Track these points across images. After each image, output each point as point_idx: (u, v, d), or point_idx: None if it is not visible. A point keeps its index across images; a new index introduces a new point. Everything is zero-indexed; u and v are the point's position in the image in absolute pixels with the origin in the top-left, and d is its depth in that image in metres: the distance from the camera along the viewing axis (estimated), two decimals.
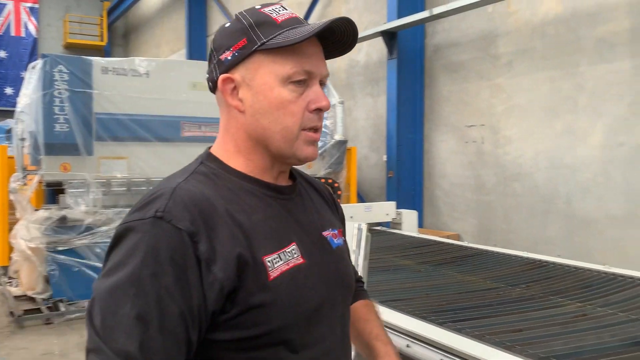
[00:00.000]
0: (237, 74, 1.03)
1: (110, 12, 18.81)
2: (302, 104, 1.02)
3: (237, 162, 1.06)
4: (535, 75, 5.46)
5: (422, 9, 6.44)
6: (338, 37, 1.06)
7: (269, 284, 0.95)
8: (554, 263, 3.07)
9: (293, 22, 1.03)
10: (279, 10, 1.04)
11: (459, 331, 1.88)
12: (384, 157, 7.13)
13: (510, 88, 5.74)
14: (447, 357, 1.76)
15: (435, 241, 3.94)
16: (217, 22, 12.80)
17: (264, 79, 1.01)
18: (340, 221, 1.26)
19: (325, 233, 1.13)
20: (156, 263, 0.88)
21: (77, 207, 5.52)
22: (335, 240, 1.15)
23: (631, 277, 2.71)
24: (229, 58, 1.03)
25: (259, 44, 1.00)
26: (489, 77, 5.97)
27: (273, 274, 0.96)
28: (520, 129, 5.64)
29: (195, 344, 0.92)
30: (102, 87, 5.76)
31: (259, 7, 1.05)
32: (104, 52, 18.64)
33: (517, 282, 2.65)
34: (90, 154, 5.73)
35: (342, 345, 1.11)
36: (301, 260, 1.02)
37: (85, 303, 5.53)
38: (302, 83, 1.02)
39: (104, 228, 5.54)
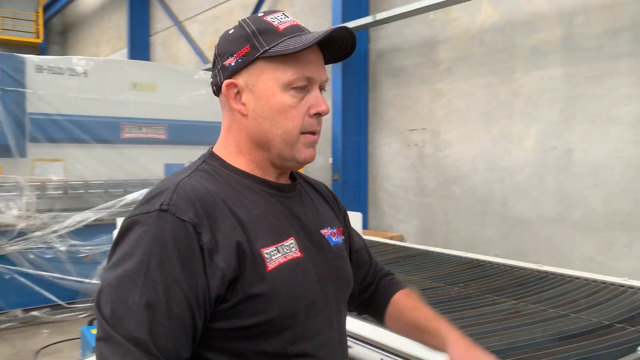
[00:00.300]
0: (240, 80, 1.08)
1: (46, 8, 18.01)
2: (302, 109, 1.08)
3: (239, 161, 1.11)
4: (474, 81, 5.65)
5: (366, 14, 6.54)
6: (337, 43, 1.12)
7: (266, 275, 0.99)
8: (490, 262, 3.19)
9: (294, 30, 1.08)
10: (281, 18, 1.09)
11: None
12: (330, 160, 7.18)
13: (450, 93, 5.92)
14: (388, 356, 1.79)
15: (379, 242, 4.01)
16: (160, 21, 12.52)
17: (267, 85, 1.06)
18: (341, 221, 1.30)
19: (323, 231, 1.17)
20: (163, 252, 0.93)
21: (9, 211, 5.25)
22: (333, 239, 1.19)
23: (561, 275, 2.85)
24: (233, 64, 1.08)
25: (261, 51, 1.05)
26: (430, 82, 6.13)
27: (271, 265, 1.01)
28: (460, 133, 5.81)
29: (200, 331, 0.97)
30: (36, 86, 5.52)
31: (262, 14, 1.11)
32: (40, 49, 17.83)
33: (456, 281, 2.74)
34: (23, 156, 5.49)
35: (339, 340, 1.15)
36: (299, 254, 1.06)
37: (18, 312, 5.27)
38: (302, 89, 1.08)
39: (38, 233, 5.30)
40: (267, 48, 1.05)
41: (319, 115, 1.11)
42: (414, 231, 6.41)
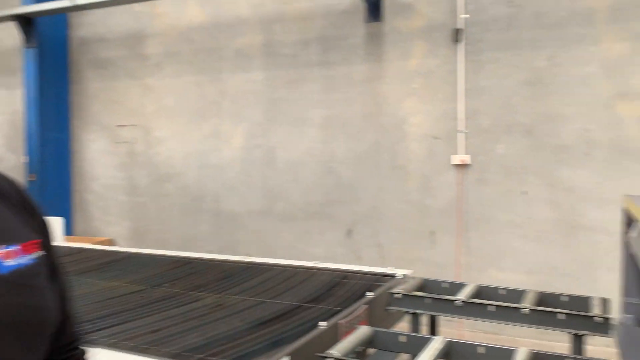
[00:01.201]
0: None
1: None
2: None
3: None
4: (184, 78, 5.65)
5: None
6: None
7: None
8: (199, 259, 3.22)
9: None
10: None
11: (92, 343, 1.75)
12: (24, 159, 6.29)
13: (160, 89, 5.80)
14: None
15: (81, 249, 3.69)
16: None
17: None
18: (36, 230, 0.92)
19: None
20: None
21: None
22: (7, 262, 0.82)
23: (265, 264, 3.05)
24: None
25: None
26: (139, 77, 5.90)
27: None
28: (171, 130, 5.75)
29: None
30: None
31: None
32: None
33: (162, 281, 2.67)
34: None
35: None
36: None
37: None
38: None
39: None
40: None
41: None
42: (126, 233, 6.09)
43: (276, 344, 1.75)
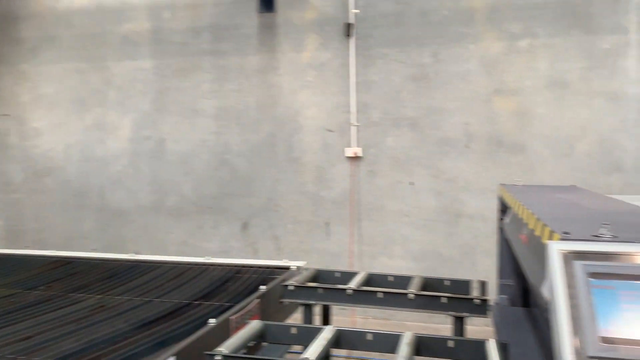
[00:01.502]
0: None
1: None
2: None
3: None
4: (63, 65, 5.25)
5: None
6: None
7: None
8: (80, 258, 3.01)
9: None
10: None
11: None
12: None
13: (36, 76, 5.34)
14: None
15: None
16: None
17: None
18: None
19: None
20: None
21: None
22: None
23: (152, 262, 2.92)
24: None
25: None
26: (12, 63, 5.40)
27: None
28: (50, 121, 5.33)
29: None
30: None
31: None
32: None
33: (36, 284, 2.47)
34: None
35: None
36: None
37: None
38: None
39: None
40: None
41: None
42: None
43: (162, 344, 1.67)
